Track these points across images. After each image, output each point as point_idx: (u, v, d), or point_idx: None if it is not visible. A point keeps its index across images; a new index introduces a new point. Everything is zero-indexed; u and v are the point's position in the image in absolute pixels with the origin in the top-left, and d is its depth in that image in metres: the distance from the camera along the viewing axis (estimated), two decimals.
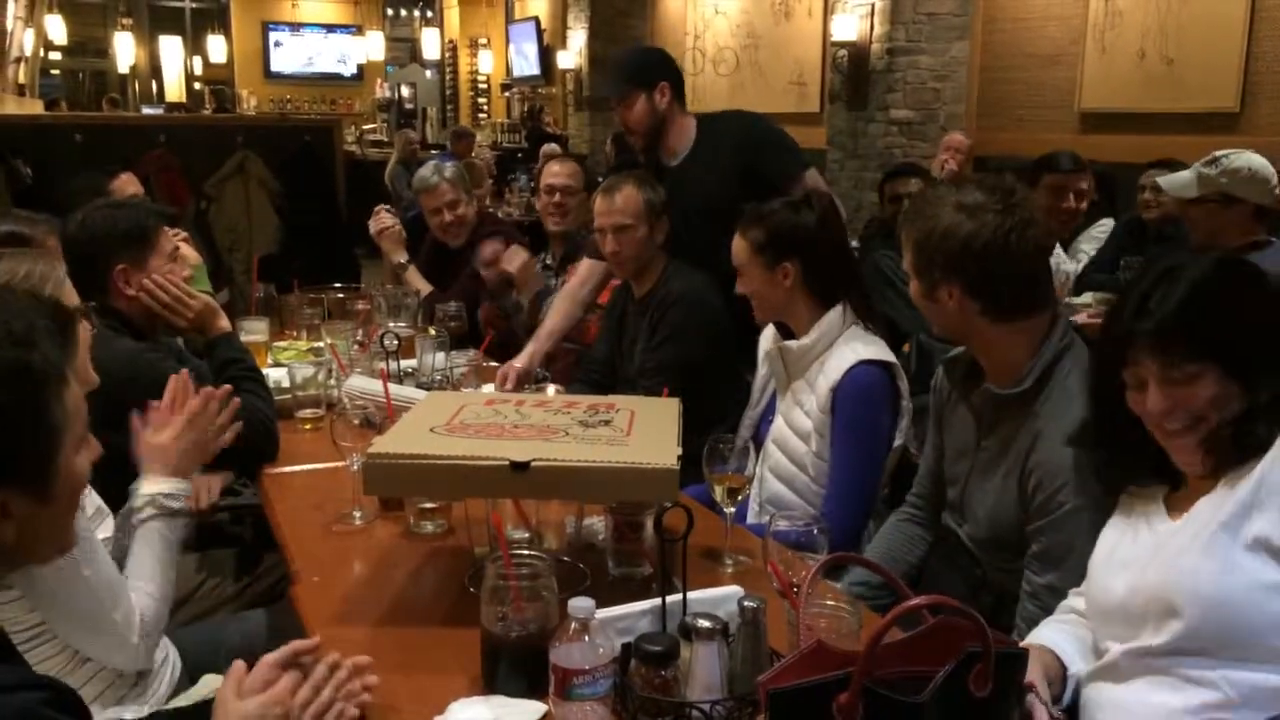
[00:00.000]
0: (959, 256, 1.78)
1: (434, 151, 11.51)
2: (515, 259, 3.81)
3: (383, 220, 4.02)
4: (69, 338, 1.18)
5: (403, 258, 4.00)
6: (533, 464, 1.56)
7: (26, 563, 1.22)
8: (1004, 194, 1.78)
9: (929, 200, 1.85)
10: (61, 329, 1.17)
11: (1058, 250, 5.02)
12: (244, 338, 3.19)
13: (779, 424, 2.42)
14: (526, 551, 1.50)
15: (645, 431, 1.72)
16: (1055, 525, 1.72)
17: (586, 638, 1.26)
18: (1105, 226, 4.96)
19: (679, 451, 1.62)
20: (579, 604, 1.27)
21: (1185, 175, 3.25)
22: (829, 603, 1.44)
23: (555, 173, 3.83)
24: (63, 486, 1.14)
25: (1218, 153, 3.18)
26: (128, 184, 3.73)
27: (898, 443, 2.33)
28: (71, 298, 1.90)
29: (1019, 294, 1.80)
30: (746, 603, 1.40)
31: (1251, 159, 3.19)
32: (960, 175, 5.54)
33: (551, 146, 9.16)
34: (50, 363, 1.12)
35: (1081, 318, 3.52)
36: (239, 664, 1.34)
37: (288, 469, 2.37)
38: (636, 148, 3.34)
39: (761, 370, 2.57)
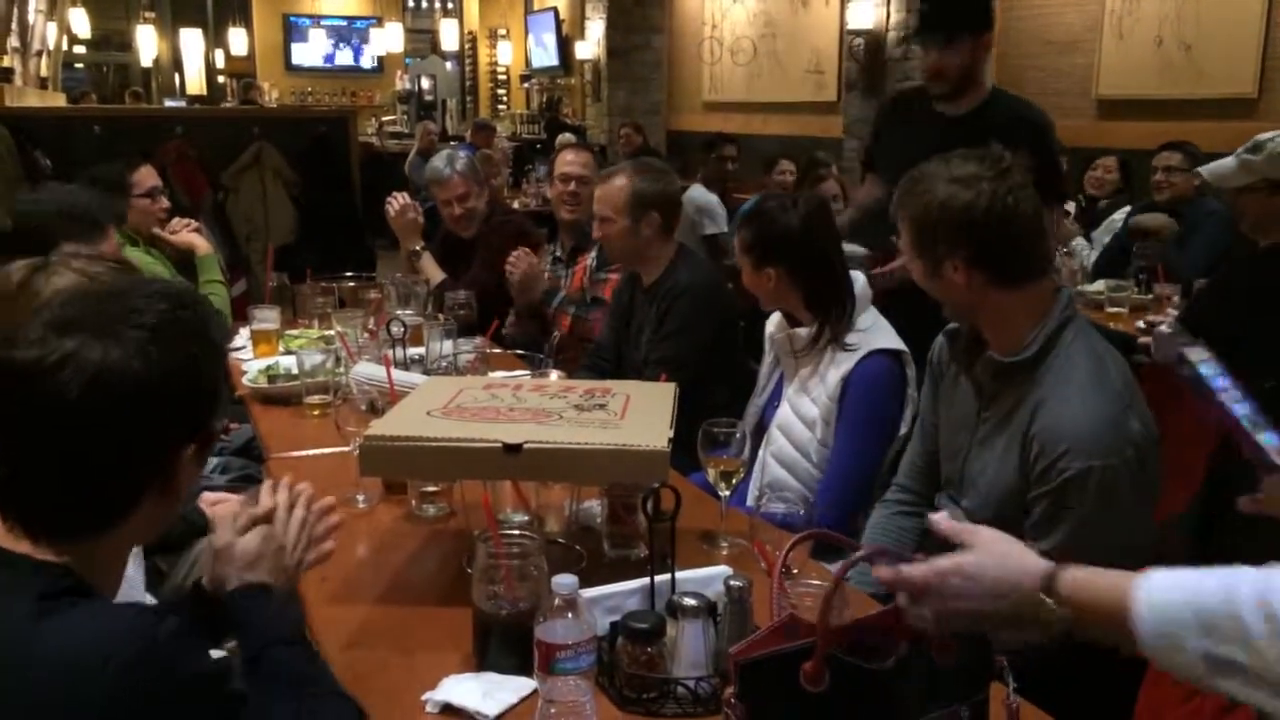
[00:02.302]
0: (960, 227, 1.77)
1: (453, 143, 11.54)
2: (516, 269, 3.60)
3: (397, 202, 4.00)
4: None
5: (418, 244, 4.01)
6: (525, 446, 1.58)
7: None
8: (994, 161, 1.79)
9: (920, 179, 1.84)
10: None
11: (1079, 239, 5.04)
12: (256, 326, 3.24)
13: (785, 410, 2.42)
14: (517, 532, 1.53)
15: (639, 415, 1.74)
16: (1055, 491, 1.72)
17: (570, 614, 1.28)
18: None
19: (670, 434, 1.64)
20: (561, 580, 1.30)
21: (1228, 163, 3.05)
22: (814, 581, 1.46)
23: (569, 161, 3.78)
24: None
25: (1260, 137, 2.93)
26: (148, 176, 3.76)
27: (902, 431, 2.34)
28: None
29: (1023, 257, 1.80)
30: (733, 582, 1.42)
31: None
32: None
33: (566, 136, 9.13)
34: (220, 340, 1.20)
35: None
36: (224, 506, 1.37)
37: (295, 453, 2.41)
38: (936, 93, 3.26)
39: (767, 356, 2.58)
